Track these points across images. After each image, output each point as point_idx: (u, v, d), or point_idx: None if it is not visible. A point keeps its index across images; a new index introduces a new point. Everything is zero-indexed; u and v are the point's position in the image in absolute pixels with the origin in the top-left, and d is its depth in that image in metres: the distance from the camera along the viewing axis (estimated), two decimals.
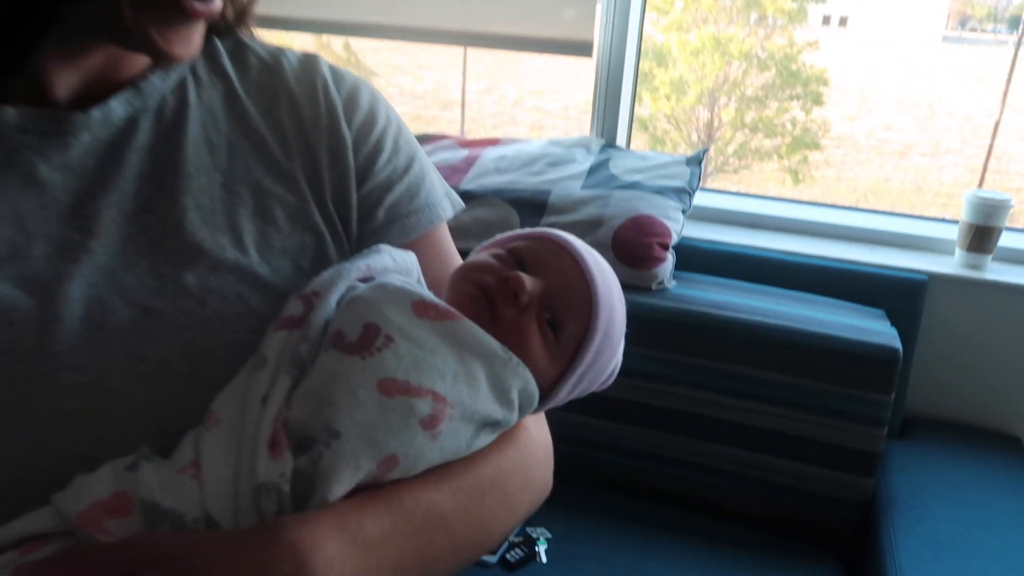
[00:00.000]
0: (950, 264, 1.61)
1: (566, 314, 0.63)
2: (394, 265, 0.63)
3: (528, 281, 0.61)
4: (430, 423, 0.54)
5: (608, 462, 1.50)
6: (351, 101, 0.67)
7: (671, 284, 1.52)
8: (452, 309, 0.58)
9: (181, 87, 0.62)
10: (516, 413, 0.60)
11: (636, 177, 1.61)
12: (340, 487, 0.51)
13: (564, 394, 0.65)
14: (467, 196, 1.62)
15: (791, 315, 1.43)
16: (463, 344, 0.57)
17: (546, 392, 0.63)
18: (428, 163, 0.73)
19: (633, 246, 1.48)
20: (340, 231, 0.65)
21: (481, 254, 0.67)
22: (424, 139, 1.83)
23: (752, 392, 1.41)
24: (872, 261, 1.60)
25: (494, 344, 0.58)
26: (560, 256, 0.65)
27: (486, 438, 0.60)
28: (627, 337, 1.41)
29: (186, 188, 0.59)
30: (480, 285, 0.62)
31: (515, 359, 0.58)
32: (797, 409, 1.39)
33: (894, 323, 1.47)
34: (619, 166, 1.65)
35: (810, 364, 1.38)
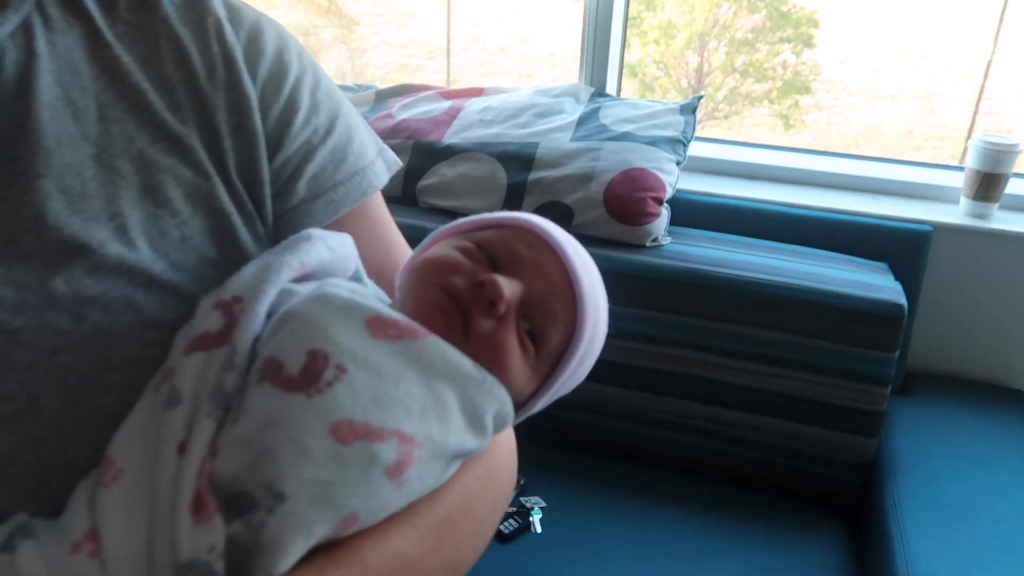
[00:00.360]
0: (955, 213, 1.55)
1: (548, 323, 0.54)
2: (331, 257, 0.53)
3: (506, 286, 0.51)
4: (396, 471, 0.45)
5: (603, 427, 1.46)
6: (253, 46, 0.54)
7: (666, 241, 1.45)
8: (414, 324, 0.48)
9: (24, 32, 0.47)
10: (489, 439, 0.52)
11: (628, 127, 1.53)
12: (288, 560, 0.42)
13: (538, 407, 0.57)
14: (450, 151, 1.54)
15: (791, 271, 1.37)
16: (430, 367, 0.47)
17: (519, 407, 0.55)
18: (356, 117, 0.61)
19: (626, 202, 1.41)
20: (251, 211, 0.53)
21: (443, 245, 0.56)
22: (405, 90, 1.74)
23: (751, 352, 1.35)
24: (875, 212, 1.53)
25: (466, 364, 0.49)
26: (538, 250, 0.55)
27: (455, 467, 0.51)
28: (622, 297, 1.32)
29: (44, 168, 0.45)
30: (449, 290, 0.52)
31: (490, 379, 0.50)
32: (797, 369, 1.34)
33: (897, 276, 1.41)
34: (610, 116, 1.57)
35: (811, 322, 1.32)
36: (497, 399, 0.50)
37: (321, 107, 0.57)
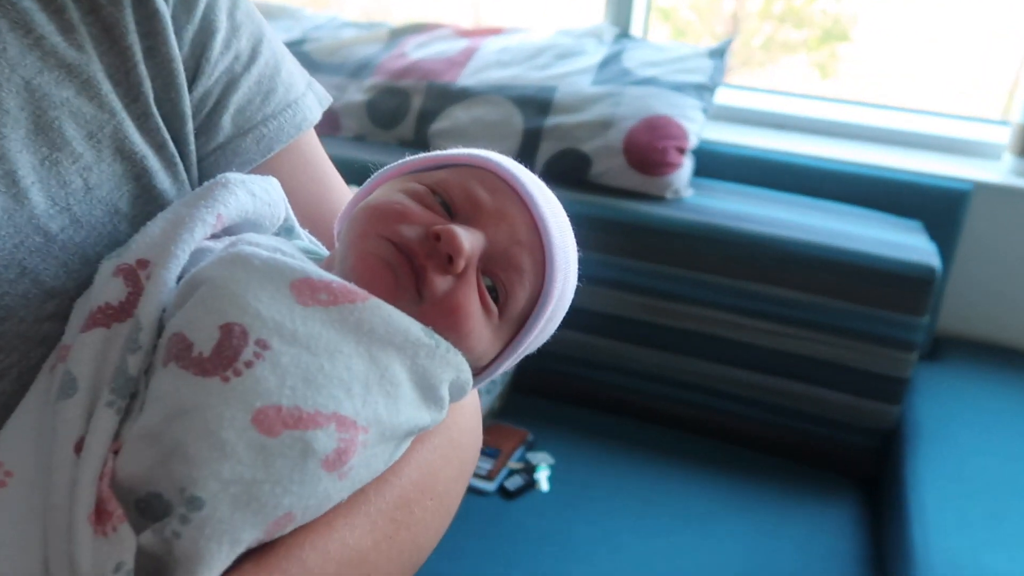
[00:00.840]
0: (998, 171, 1.46)
1: (514, 279, 0.46)
2: (254, 205, 0.45)
3: (465, 238, 0.44)
4: (336, 461, 0.38)
5: (617, 384, 1.42)
6: None
7: (687, 193, 1.39)
8: (351, 287, 0.41)
9: None
10: (446, 411, 0.45)
11: (652, 71, 1.45)
12: (211, 572, 0.36)
13: (501, 370, 0.51)
14: (465, 93, 1.47)
15: (819, 228, 1.31)
16: (372, 335, 0.40)
17: (478, 371, 0.49)
18: (280, 45, 0.54)
19: (647, 150, 1.34)
20: (172, 153, 0.46)
21: (389, 188, 0.48)
22: (419, 28, 1.66)
23: (772, 312, 1.30)
24: (911, 167, 1.45)
25: (414, 328, 0.42)
26: (501, 194, 0.47)
27: (408, 444, 0.45)
28: (639, 251, 1.23)
29: None
30: (398, 243, 0.44)
31: (444, 344, 0.43)
32: (821, 331, 1.28)
33: (932, 236, 1.34)
34: (634, 59, 1.49)
35: (837, 282, 1.26)
36: (453, 367, 0.44)
37: (242, 30, 0.50)
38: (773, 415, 1.35)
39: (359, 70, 1.57)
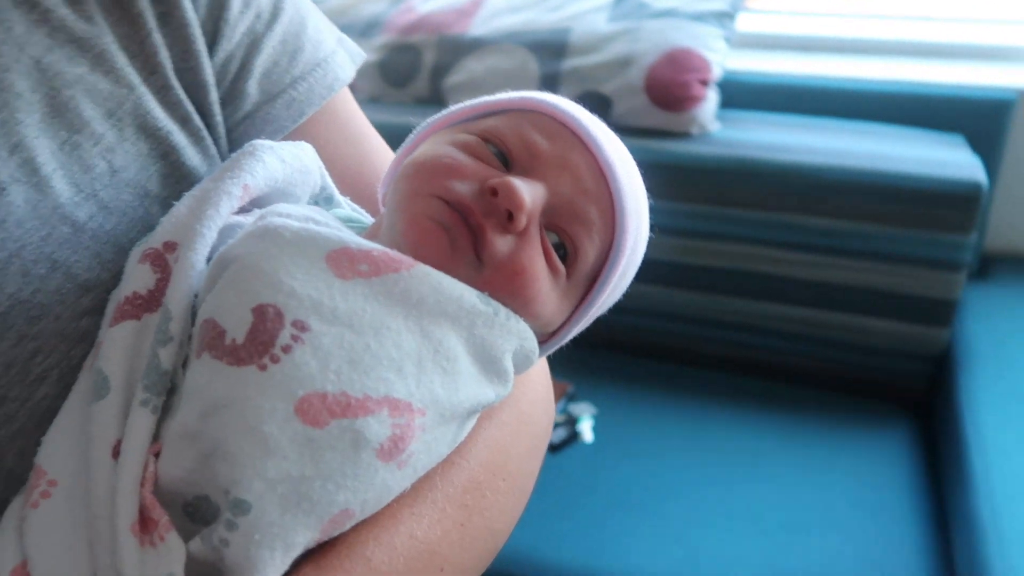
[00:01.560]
0: None
1: (581, 233, 0.41)
2: (285, 173, 0.42)
3: (525, 191, 0.39)
4: (393, 449, 0.35)
5: (656, 329, 1.39)
6: None
7: (714, 127, 1.34)
8: (393, 254, 0.37)
9: None
10: (511, 383, 0.41)
11: (670, 3, 1.39)
12: None
13: (571, 335, 0.46)
14: (477, 43, 1.43)
15: (855, 152, 1.25)
16: (422, 306, 0.36)
17: (546, 339, 0.45)
18: None
19: (669, 86, 1.29)
20: (199, 126, 0.42)
21: (435, 141, 0.44)
22: None
23: (811, 243, 1.26)
24: (949, 79, 1.38)
25: (468, 295, 0.38)
26: (561, 139, 0.42)
27: (472, 423, 0.42)
28: (669, 191, 1.16)
29: None
30: (452, 201, 0.39)
31: (503, 311, 0.39)
32: (863, 258, 1.24)
33: (975, 149, 1.28)
34: None
35: (878, 207, 1.22)
36: (515, 335, 0.40)
37: None
38: (819, 348, 1.31)
39: (368, 29, 1.53)
